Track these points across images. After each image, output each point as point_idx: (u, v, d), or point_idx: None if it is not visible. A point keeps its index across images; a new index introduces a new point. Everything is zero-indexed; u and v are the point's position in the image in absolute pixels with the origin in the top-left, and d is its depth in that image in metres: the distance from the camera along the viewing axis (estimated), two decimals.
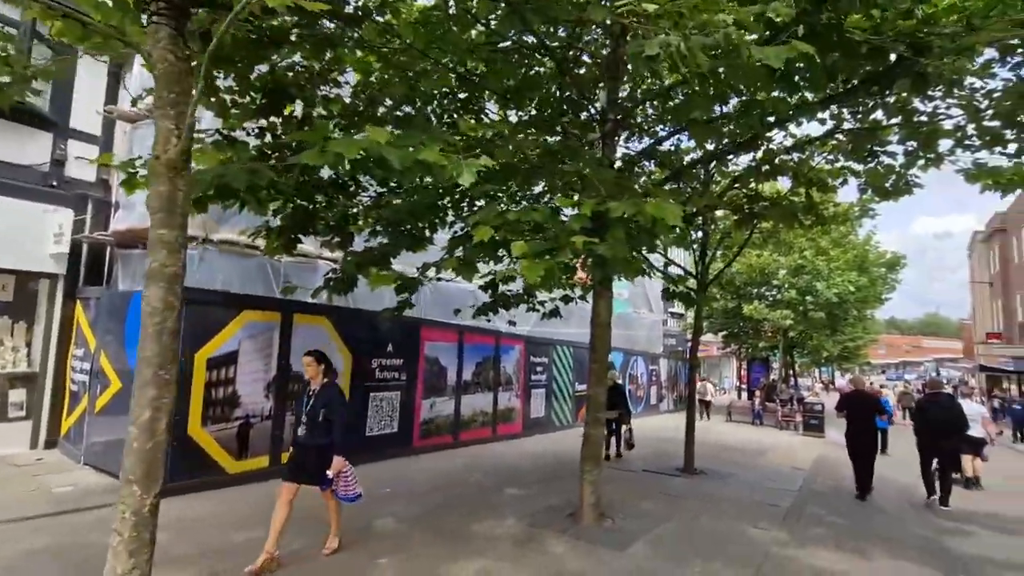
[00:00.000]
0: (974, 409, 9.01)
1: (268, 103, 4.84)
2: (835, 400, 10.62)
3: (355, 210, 6.28)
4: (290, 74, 5.19)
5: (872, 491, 7.76)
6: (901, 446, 12.28)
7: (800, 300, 16.97)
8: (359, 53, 5.42)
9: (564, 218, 4.15)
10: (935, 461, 7.66)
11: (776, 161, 6.45)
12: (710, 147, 5.76)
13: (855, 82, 4.51)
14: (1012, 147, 5.94)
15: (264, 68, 4.87)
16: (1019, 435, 13.29)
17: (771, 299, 17.78)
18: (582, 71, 5.58)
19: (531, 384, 12.99)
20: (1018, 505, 7.90)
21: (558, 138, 5.74)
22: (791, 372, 28.77)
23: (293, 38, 4.37)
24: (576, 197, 4.34)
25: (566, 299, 8.23)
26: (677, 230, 4.06)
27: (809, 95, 4.77)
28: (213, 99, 4.69)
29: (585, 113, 5.72)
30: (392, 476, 7.64)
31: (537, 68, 6.09)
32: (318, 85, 5.52)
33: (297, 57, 5.30)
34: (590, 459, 5.67)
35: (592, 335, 5.97)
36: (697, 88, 3.63)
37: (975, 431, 8.56)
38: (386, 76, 5.49)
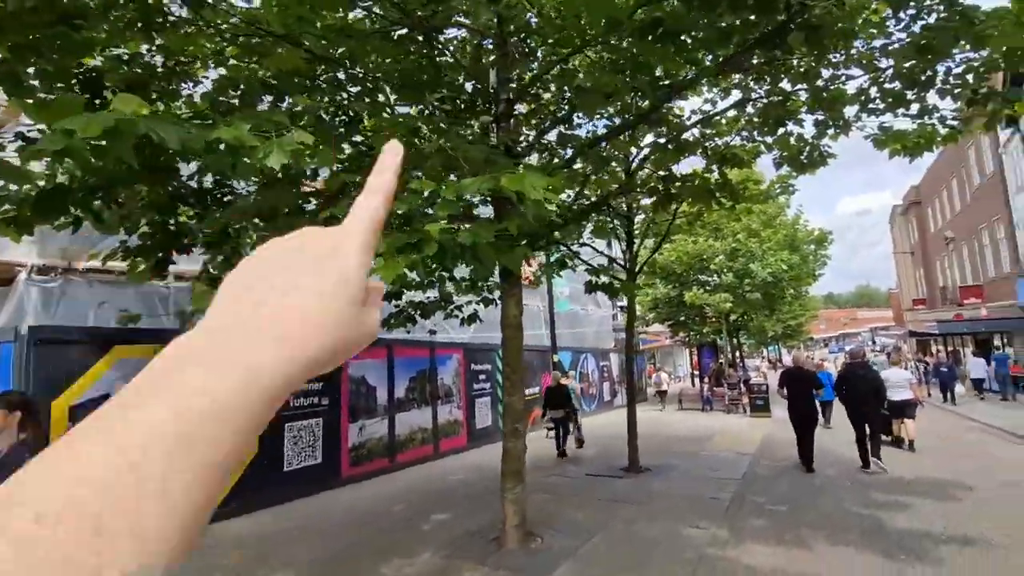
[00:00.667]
0: (901, 376, 9.19)
1: (88, 98, 4.07)
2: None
3: (239, 224, 5.55)
4: (125, 68, 4.44)
5: (813, 466, 7.91)
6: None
7: (737, 283, 17.17)
8: (218, 43, 4.75)
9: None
10: (866, 427, 7.86)
11: (685, 138, 6.17)
12: (608, 121, 5.43)
13: (752, 40, 4.22)
14: (915, 107, 5.85)
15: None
16: (947, 396, 13.84)
17: (711, 284, 17.94)
18: (465, 48, 5.11)
19: (474, 394, 12.40)
20: (951, 465, 7.98)
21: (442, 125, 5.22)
22: (739, 355, 29.44)
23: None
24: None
25: (485, 301, 7.69)
26: (551, 206, 3.60)
27: (703, 56, 4.47)
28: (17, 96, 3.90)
29: (477, 96, 5.23)
30: (312, 512, 6.88)
31: (431, 55, 5.58)
32: (170, 79, 4.79)
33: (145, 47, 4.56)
34: (510, 475, 5.14)
35: (503, 338, 5.45)
36: (577, 41, 3.20)
37: (904, 395, 8.75)
38: (244, 65, 4.81)
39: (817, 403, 8.53)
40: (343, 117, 5.91)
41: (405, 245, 3.06)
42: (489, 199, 4.72)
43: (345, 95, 5.57)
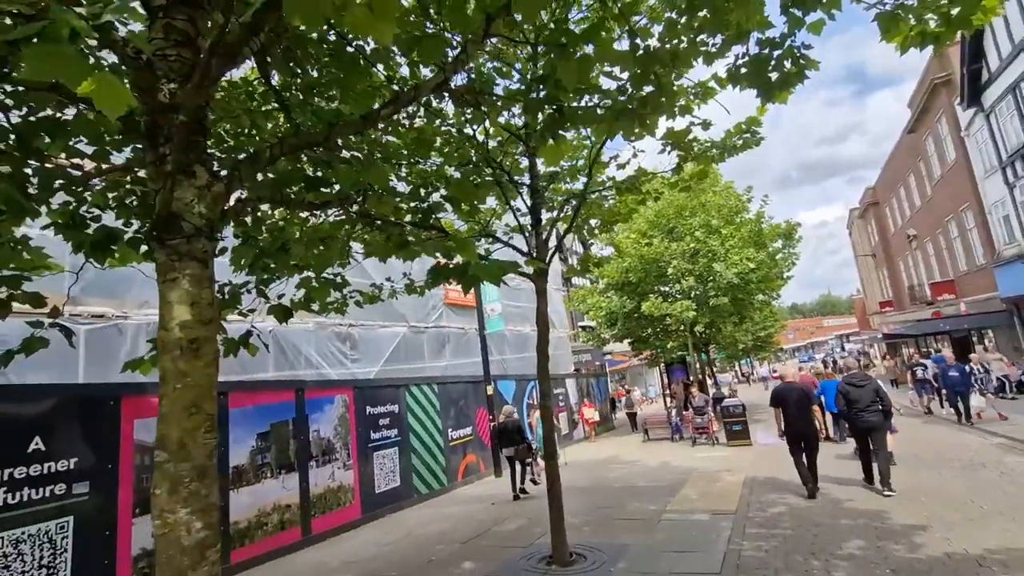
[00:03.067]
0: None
1: None
2: (756, 393, 9.05)
3: None
4: None
5: (818, 490, 7.07)
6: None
7: (700, 288, 14.84)
8: None
9: None
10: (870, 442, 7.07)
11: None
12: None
13: None
14: None
15: None
16: (956, 405, 11.52)
17: (671, 292, 15.58)
18: None
19: (371, 446, 9.43)
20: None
21: None
22: (710, 370, 27.16)
23: None
24: None
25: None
26: None
27: None
28: None
29: None
30: None
31: None
32: None
33: None
34: None
35: None
36: None
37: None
38: None
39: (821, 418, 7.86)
40: None
41: None
42: None
43: None
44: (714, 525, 6.09)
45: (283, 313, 5.20)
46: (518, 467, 9.64)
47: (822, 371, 13.34)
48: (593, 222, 7.30)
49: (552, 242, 6.37)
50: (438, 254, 4.45)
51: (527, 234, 6.01)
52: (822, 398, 10.52)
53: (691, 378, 22.38)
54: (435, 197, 5.05)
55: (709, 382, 37.28)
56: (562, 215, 6.53)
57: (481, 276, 3.22)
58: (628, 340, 19.12)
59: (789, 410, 7.20)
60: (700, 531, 5.90)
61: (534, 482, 9.87)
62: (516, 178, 5.93)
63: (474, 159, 5.35)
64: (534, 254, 5.85)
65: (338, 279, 5.54)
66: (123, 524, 5.75)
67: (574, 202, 6.28)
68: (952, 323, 20.84)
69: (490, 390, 12.67)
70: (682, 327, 15.93)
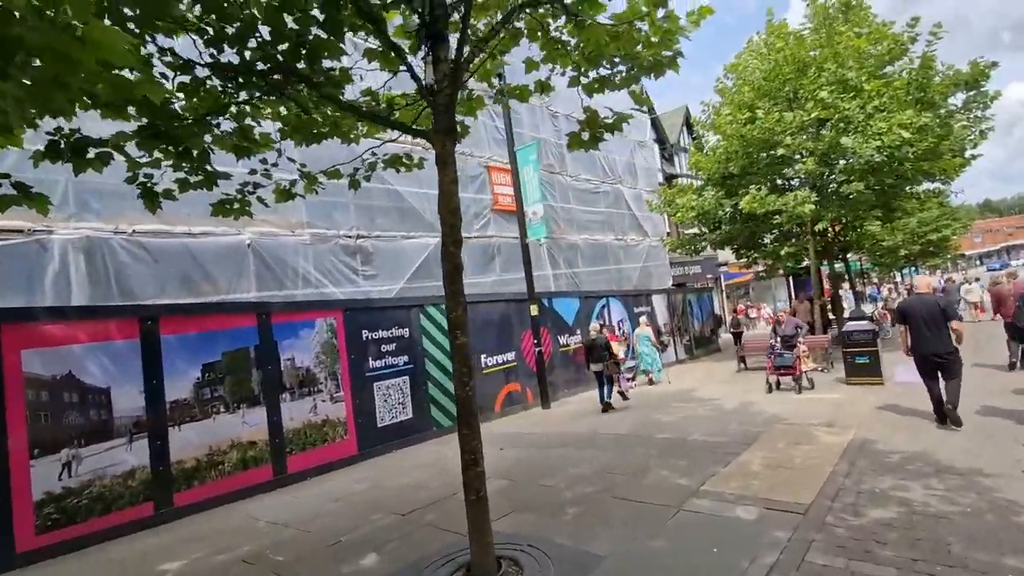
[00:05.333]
0: None
1: None
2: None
3: None
4: None
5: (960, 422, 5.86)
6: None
7: (822, 171, 10.83)
8: None
9: None
10: None
11: None
12: None
13: None
14: None
15: None
16: None
17: (784, 180, 11.70)
18: None
19: (370, 375, 8.16)
20: None
21: None
22: (850, 282, 22.14)
23: None
24: None
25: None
26: None
27: None
28: None
29: None
30: None
31: None
32: None
33: None
34: None
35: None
36: None
37: None
38: None
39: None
40: None
41: None
42: None
43: None
44: (759, 534, 3.71)
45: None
46: (606, 383, 9.79)
47: None
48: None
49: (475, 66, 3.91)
50: None
51: (423, 55, 3.59)
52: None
53: (823, 290, 18.12)
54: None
55: (850, 296, 31.38)
56: (489, 21, 3.94)
57: None
58: (733, 247, 15.56)
59: (917, 326, 6.16)
60: (728, 546, 3.58)
61: (623, 396, 10.25)
62: None
63: None
64: (433, 87, 3.47)
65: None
66: (18, 468, 5.03)
67: None
68: None
69: (535, 310, 10.68)
70: (799, 227, 12.17)
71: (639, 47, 4.75)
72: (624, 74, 5.07)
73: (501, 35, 4.00)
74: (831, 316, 16.43)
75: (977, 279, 25.66)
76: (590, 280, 16.16)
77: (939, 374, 6.07)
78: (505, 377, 10.58)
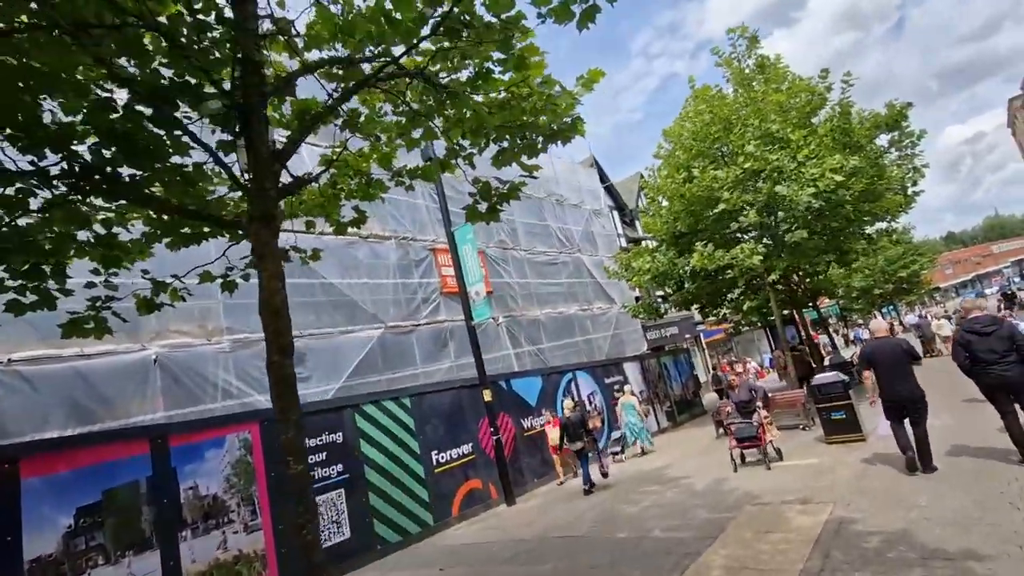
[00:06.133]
0: None
1: None
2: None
3: None
4: None
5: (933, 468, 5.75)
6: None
7: (766, 222, 10.68)
8: None
9: None
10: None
11: None
12: None
13: None
14: None
15: None
16: None
17: (732, 233, 11.52)
18: None
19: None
20: None
21: None
22: (822, 328, 21.79)
23: None
24: None
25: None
26: None
27: None
28: None
29: None
30: None
31: None
32: None
33: None
34: None
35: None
36: None
37: None
38: None
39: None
40: None
41: None
42: None
43: None
44: None
45: None
46: (587, 461, 9.29)
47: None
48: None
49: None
50: None
51: (237, 148, 3.20)
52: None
53: (803, 339, 17.58)
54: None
55: (838, 340, 30.87)
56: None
57: None
58: (697, 306, 15.19)
59: (882, 371, 6.10)
60: None
61: (604, 474, 9.70)
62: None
63: None
64: (248, 181, 3.03)
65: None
66: None
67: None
68: None
69: (488, 395, 9.92)
70: (757, 279, 11.87)
71: (532, 117, 4.53)
72: (523, 145, 4.82)
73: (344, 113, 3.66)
74: (812, 365, 15.82)
75: (946, 314, 25.50)
76: (557, 355, 15.52)
77: (905, 420, 6.03)
78: (464, 473, 9.61)
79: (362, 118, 4.21)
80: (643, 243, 23.75)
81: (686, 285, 14.03)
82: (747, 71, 12.32)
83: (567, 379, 13.29)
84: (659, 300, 15.22)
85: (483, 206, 5.05)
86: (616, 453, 12.75)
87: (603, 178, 24.63)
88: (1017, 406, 5.38)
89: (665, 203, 13.36)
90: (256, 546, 6.63)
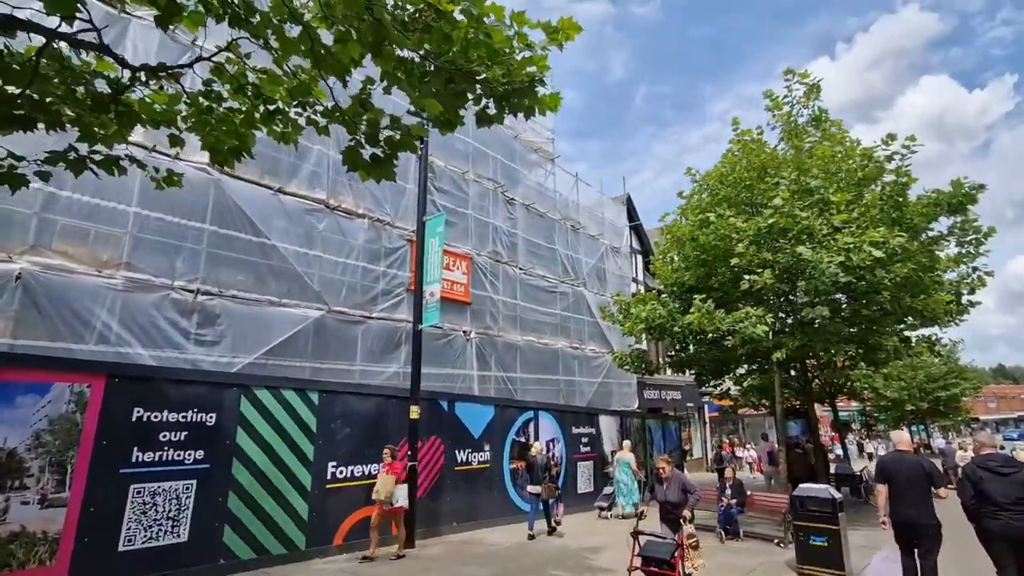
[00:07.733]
0: None
1: None
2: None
3: None
4: None
5: None
6: None
7: (782, 288, 9.05)
8: None
9: None
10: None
11: None
12: None
13: None
14: None
15: None
16: None
17: (739, 294, 9.91)
18: None
19: (130, 473, 5.94)
20: None
21: None
22: (845, 432, 19.44)
23: None
24: None
25: None
26: None
27: None
28: None
29: None
30: None
31: None
32: None
33: None
34: None
35: None
36: None
37: None
38: None
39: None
40: None
41: None
42: None
43: None
44: None
45: None
46: (542, 507, 9.15)
47: None
48: None
49: None
50: None
51: None
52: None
53: (808, 437, 15.42)
54: None
55: (851, 448, 27.97)
56: None
57: None
58: (694, 371, 13.48)
59: (896, 489, 5.35)
60: None
61: (555, 525, 9.40)
62: None
63: None
64: None
65: None
66: None
67: None
68: None
69: (415, 412, 8.49)
70: (758, 354, 10.19)
71: (467, 56, 3.37)
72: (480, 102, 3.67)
73: None
74: (814, 469, 13.73)
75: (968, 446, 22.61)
76: (530, 389, 13.94)
77: (915, 549, 5.28)
78: (363, 497, 8.08)
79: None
80: (654, 292, 22.11)
81: (691, 347, 12.41)
82: (798, 121, 10.87)
83: (526, 418, 11.73)
84: (644, 353, 13.52)
85: (367, 152, 3.79)
86: (603, 508, 11.71)
87: (632, 217, 23.18)
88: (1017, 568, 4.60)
89: (670, 245, 11.90)
90: (50, 526, 5.34)
